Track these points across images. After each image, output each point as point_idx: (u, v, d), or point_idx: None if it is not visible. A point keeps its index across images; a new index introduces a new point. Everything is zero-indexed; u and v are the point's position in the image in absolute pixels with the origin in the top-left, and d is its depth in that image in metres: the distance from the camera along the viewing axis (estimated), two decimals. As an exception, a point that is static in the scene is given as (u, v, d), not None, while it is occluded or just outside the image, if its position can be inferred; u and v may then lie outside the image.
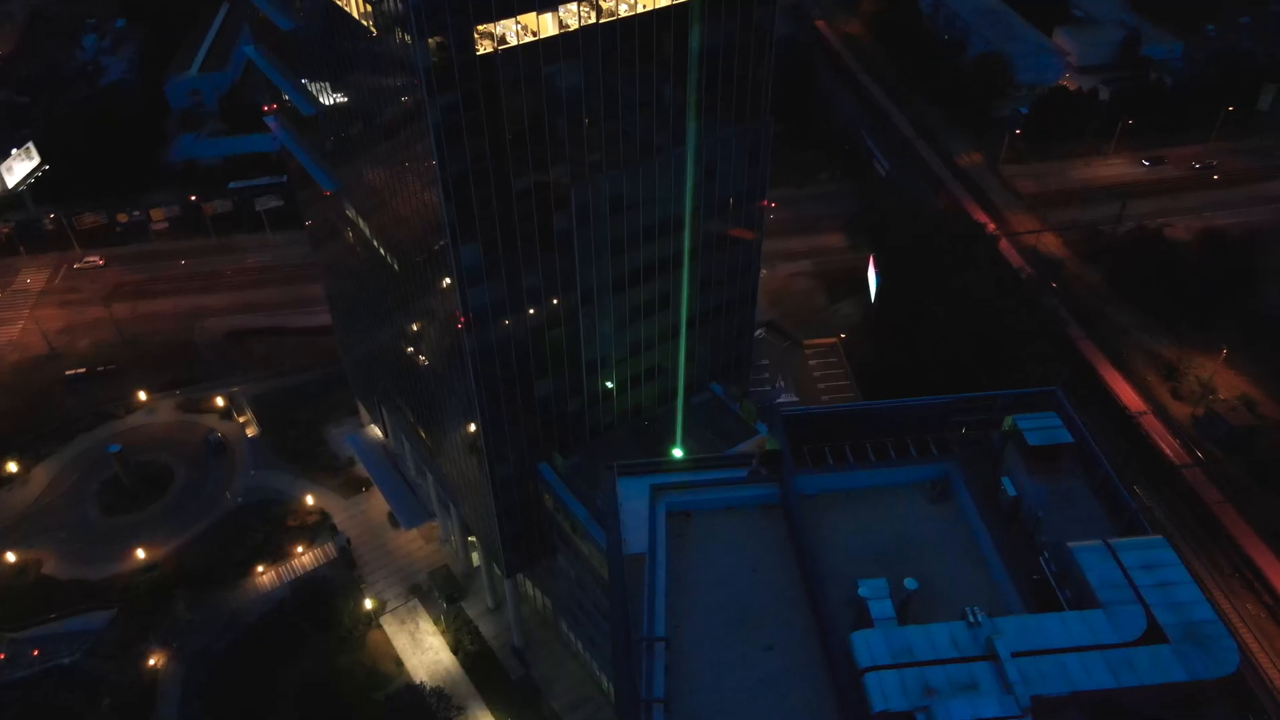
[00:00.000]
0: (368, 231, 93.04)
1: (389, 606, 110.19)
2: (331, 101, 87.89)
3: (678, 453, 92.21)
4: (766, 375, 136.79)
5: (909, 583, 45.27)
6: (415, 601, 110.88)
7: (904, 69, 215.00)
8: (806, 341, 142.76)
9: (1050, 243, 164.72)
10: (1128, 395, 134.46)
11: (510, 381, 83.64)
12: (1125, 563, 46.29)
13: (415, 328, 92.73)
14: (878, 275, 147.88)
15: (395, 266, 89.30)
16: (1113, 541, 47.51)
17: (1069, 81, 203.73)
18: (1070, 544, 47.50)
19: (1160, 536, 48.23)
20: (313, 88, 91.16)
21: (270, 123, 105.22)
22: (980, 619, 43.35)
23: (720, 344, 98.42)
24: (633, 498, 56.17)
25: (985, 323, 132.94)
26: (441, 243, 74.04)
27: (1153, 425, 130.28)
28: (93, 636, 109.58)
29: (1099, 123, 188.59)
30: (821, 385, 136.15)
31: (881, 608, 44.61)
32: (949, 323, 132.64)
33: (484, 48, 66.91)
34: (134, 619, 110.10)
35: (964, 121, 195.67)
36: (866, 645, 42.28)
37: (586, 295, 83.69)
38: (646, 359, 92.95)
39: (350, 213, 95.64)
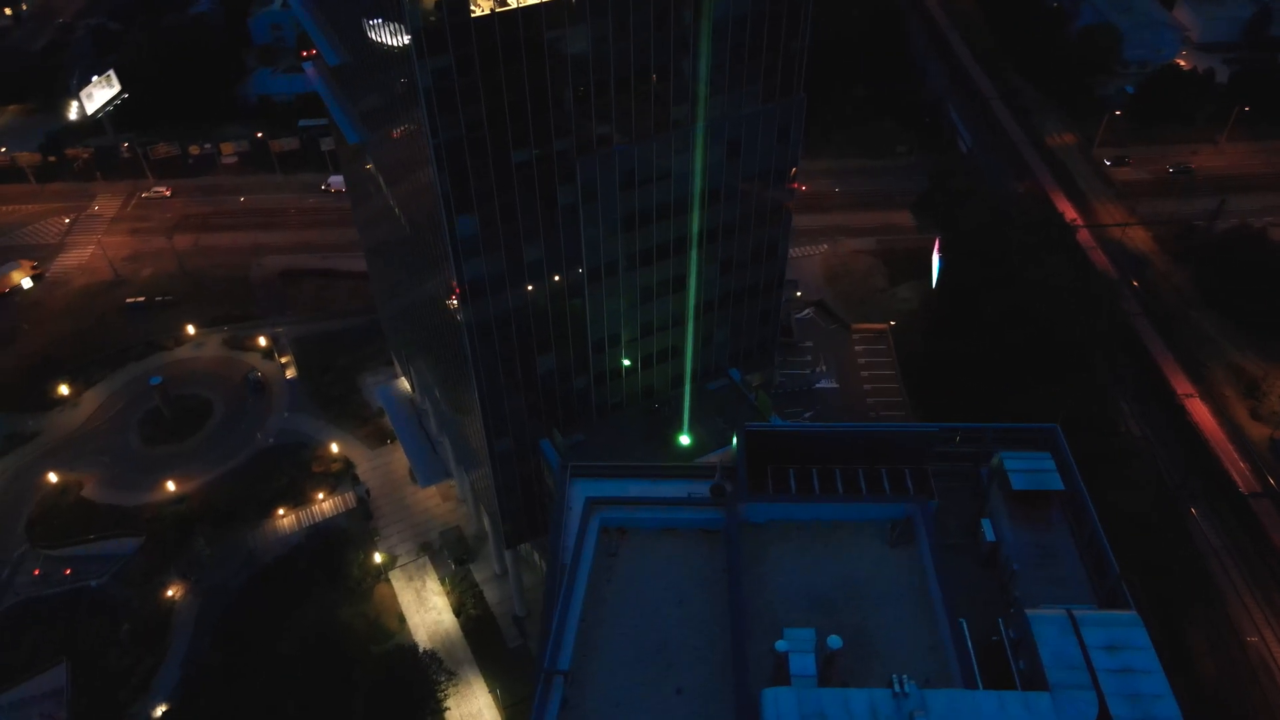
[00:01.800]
0: (385, 187, 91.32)
1: (399, 562, 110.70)
2: (351, 54, 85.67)
3: (685, 439, 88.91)
4: (809, 358, 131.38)
5: (832, 641, 41.34)
6: (425, 559, 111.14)
7: (1003, 37, 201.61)
8: (855, 326, 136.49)
9: (1138, 237, 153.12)
10: (1200, 412, 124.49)
11: (509, 356, 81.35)
12: (1087, 640, 41.29)
13: (425, 291, 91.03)
14: (941, 260, 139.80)
15: (406, 227, 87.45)
16: (1078, 612, 42.49)
17: (1184, 60, 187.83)
18: (1029, 610, 42.68)
19: (1133, 613, 42.90)
20: (338, 38, 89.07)
21: (307, 68, 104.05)
22: (908, 688, 39.24)
23: (741, 329, 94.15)
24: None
25: (1049, 320, 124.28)
26: (437, 211, 71.50)
27: (1221, 444, 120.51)
28: (121, 562, 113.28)
29: (1212, 107, 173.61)
30: (865, 373, 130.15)
31: (802, 663, 40.87)
32: (1008, 317, 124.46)
33: (481, 8, 63.29)
34: (159, 549, 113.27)
35: (1061, 98, 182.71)
36: (775, 705, 38.71)
37: (594, 272, 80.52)
38: (659, 341, 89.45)
39: (372, 167, 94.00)
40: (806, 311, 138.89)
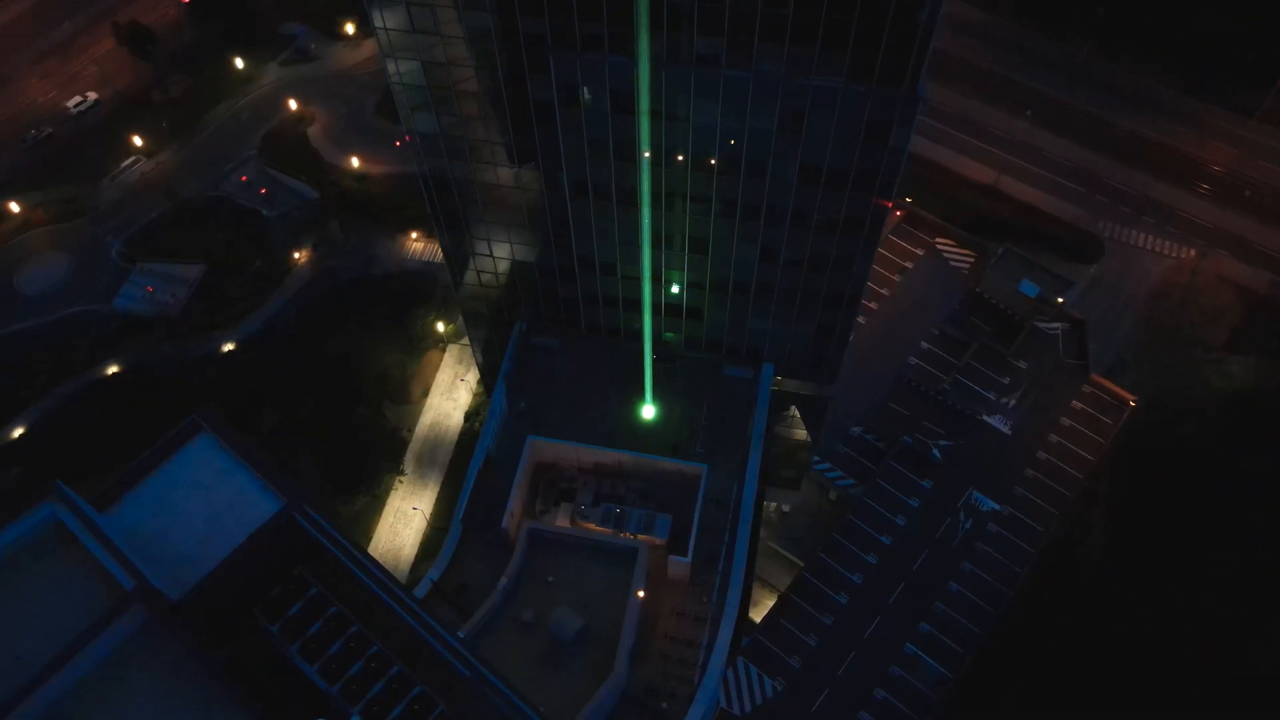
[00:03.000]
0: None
1: (460, 340, 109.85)
2: None
3: (649, 409, 74.48)
4: (1007, 381, 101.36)
5: None
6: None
7: None
8: (1095, 377, 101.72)
9: None
10: None
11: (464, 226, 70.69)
12: None
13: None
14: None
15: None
16: None
17: None
18: None
19: None
20: None
21: None
22: None
23: (788, 331, 73.19)
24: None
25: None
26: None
27: None
28: (295, 207, 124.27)
29: None
30: (1057, 439, 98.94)
31: None
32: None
33: None
34: (322, 210, 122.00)
35: None
36: None
37: (577, 186, 64.74)
38: (668, 294, 72.38)
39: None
40: (1056, 325, 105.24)
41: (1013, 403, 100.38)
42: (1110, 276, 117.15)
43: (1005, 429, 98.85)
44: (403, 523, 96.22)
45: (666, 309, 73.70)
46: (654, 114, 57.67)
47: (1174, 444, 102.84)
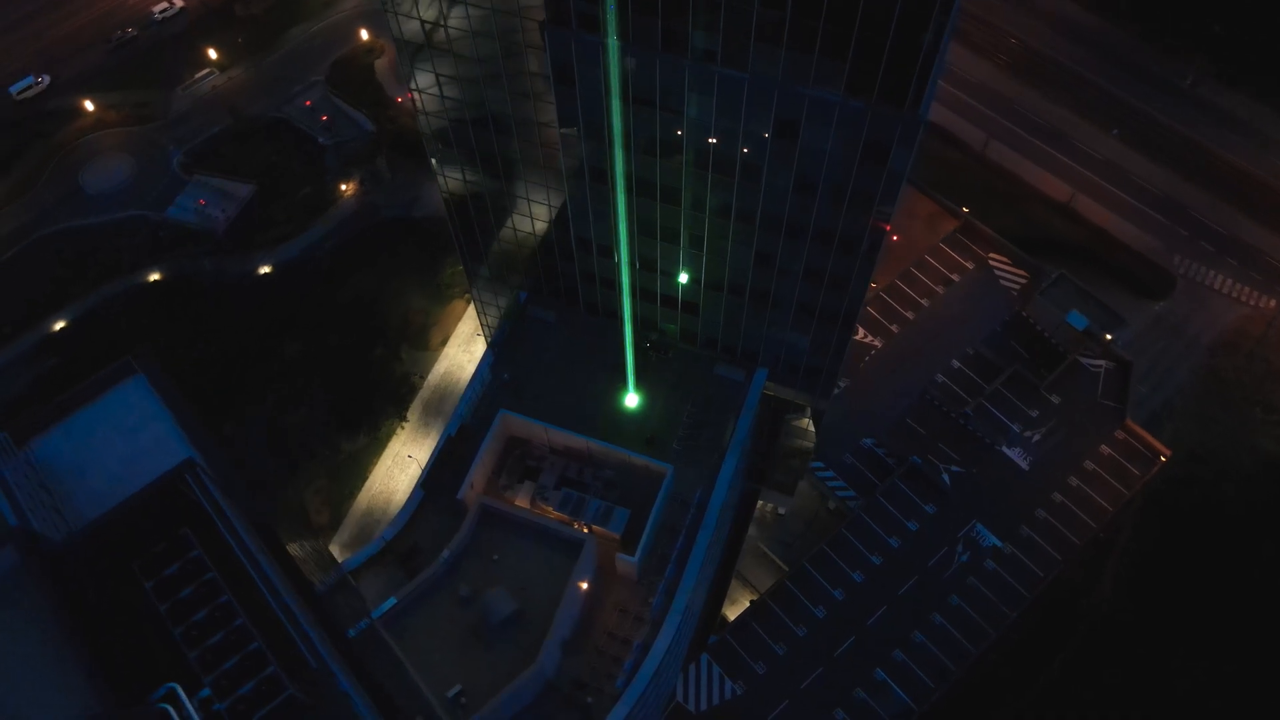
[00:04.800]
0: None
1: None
2: None
3: (632, 398, 72.98)
4: (1036, 414, 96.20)
5: None
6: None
7: None
8: (1130, 422, 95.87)
9: None
10: None
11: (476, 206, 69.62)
12: None
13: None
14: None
15: None
16: None
17: None
18: None
19: None
20: None
21: None
22: None
23: (781, 340, 70.46)
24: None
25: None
26: None
27: None
28: (349, 139, 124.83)
29: None
30: (1077, 482, 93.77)
31: None
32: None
33: None
34: (375, 144, 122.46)
35: None
36: None
37: (573, 168, 62.81)
38: (663, 284, 70.26)
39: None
40: (1100, 363, 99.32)
41: (1037, 437, 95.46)
42: (1176, 317, 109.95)
43: (1023, 463, 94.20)
44: (399, 468, 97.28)
45: (663, 299, 71.59)
46: (648, 104, 55.15)
47: (1208, 506, 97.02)
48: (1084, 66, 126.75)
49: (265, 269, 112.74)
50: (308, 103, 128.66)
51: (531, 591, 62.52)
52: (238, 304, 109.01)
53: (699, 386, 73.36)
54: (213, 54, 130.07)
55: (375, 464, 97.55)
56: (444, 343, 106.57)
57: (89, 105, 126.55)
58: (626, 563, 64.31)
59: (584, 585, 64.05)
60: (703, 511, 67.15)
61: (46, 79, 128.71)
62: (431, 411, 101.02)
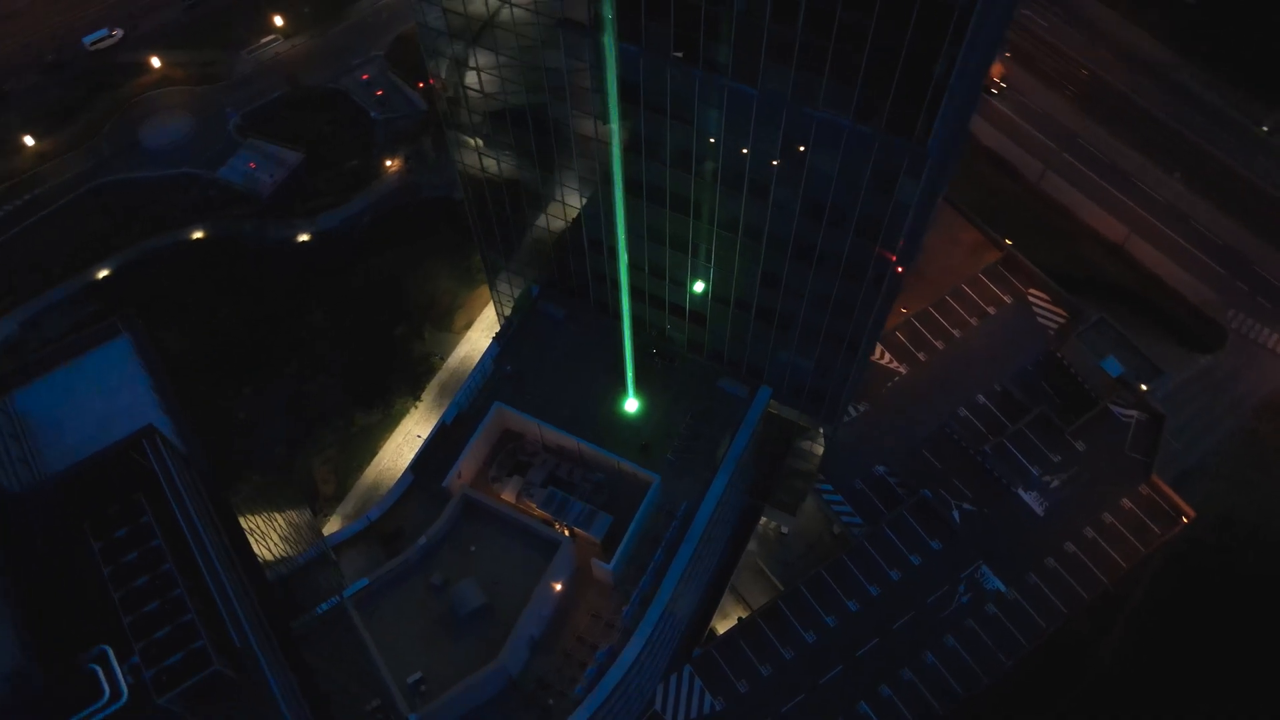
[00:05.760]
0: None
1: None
2: None
3: (632, 403, 72.39)
4: (1059, 459, 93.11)
5: None
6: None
7: None
8: (1156, 479, 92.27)
9: None
10: None
11: (493, 195, 69.52)
12: None
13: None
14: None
15: None
16: None
17: None
18: None
19: None
20: None
21: None
22: None
23: (786, 360, 69.16)
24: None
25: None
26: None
27: None
28: (401, 116, 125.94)
29: None
30: (1093, 535, 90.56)
31: None
32: None
33: None
34: (425, 123, 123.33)
35: None
36: None
37: (585, 171, 62.36)
38: (672, 293, 69.45)
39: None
40: (1132, 414, 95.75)
41: (1056, 483, 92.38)
42: (1222, 373, 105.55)
43: (1039, 509, 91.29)
44: (409, 446, 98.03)
45: (671, 307, 70.76)
46: (658, 110, 54.32)
47: (1232, 572, 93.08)
48: (1155, 104, 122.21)
49: (304, 236, 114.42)
50: (365, 76, 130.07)
51: (504, 587, 62.37)
52: (274, 268, 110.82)
53: (700, 398, 72.37)
54: (279, 21, 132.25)
55: (386, 440, 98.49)
56: (468, 326, 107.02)
57: (156, 62, 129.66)
58: (601, 569, 63.76)
59: (557, 587, 63.70)
60: (687, 525, 66.29)
61: (120, 32, 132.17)
62: (447, 393, 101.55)
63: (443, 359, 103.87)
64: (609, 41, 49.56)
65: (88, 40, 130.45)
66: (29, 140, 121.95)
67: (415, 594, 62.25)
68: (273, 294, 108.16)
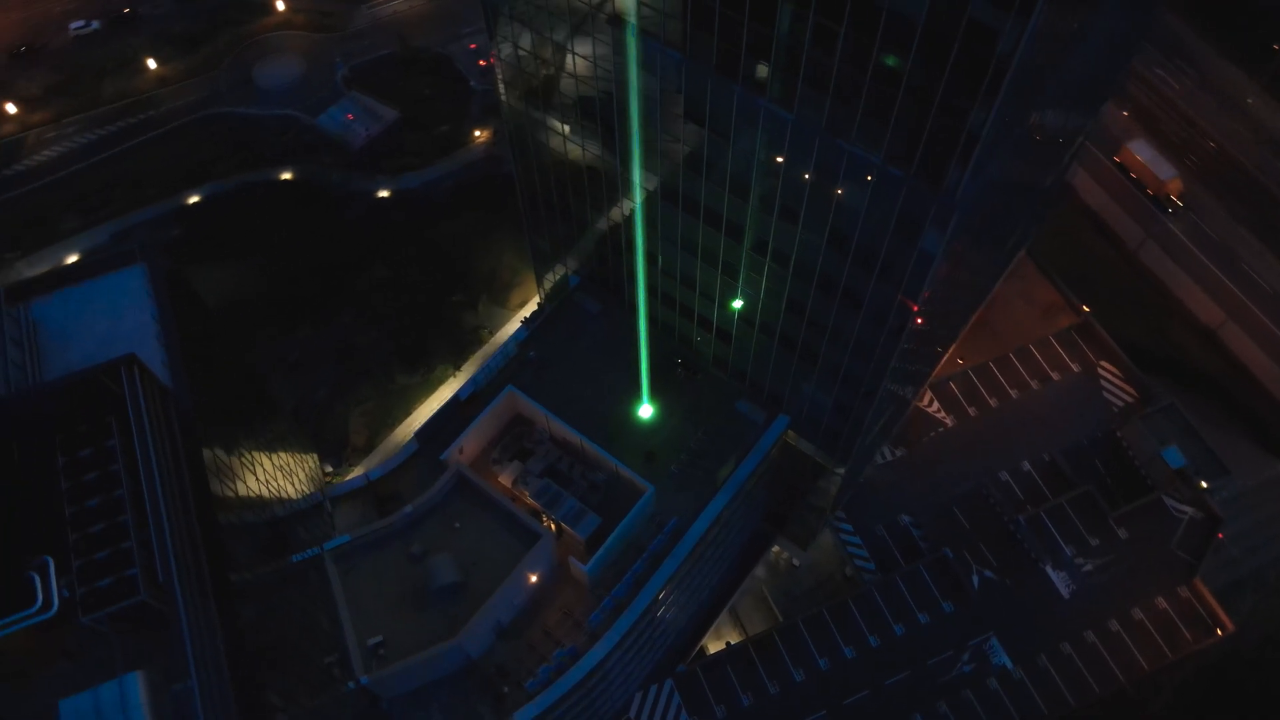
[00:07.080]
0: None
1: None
2: None
3: (646, 409, 71.76)
4: (1077, 549, 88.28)
5: None
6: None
7: None
8: (1198, 583, 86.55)
9: None
10: None
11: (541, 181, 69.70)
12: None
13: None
14: None
15: None
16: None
17: None
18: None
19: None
20: None
21: None
22: None
23: (802, 391, 67.33)
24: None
25: None
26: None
27: None
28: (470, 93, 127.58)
29: None
30: (1117, 624, 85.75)
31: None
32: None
33: None
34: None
35: None
36: None
37: (626, 170, 61.80)
38: (701, 305, 68.36)
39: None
40: (1186, 510, 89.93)
41: (1089, 567, 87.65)
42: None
43: (1065, 590, 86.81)
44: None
45: (699, 319, 69.64)
46: (696, 120, 53.27)
47: (1267, 694, 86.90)
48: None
49: (384, 193, 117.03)
50: (472, 45, 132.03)
51: (480, 568, 62.55)
52: (350, 218, 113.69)
53: (717, 416, 71.09)
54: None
55: (421, 403, 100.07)
56: (522, 305, 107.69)
57: (281, 4, 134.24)
58: (578, 569, 63.37)
59: (533, 578, 63.59)
60: (675, 540, 65.24)
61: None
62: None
63: (491, 333, 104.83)
64: (631, 39, 48.78)
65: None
66: (152, 63, 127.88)
67: (394, 560, 62.97)
68: (343, 243, 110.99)
